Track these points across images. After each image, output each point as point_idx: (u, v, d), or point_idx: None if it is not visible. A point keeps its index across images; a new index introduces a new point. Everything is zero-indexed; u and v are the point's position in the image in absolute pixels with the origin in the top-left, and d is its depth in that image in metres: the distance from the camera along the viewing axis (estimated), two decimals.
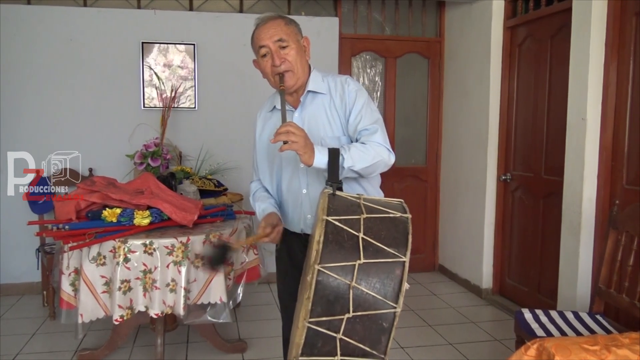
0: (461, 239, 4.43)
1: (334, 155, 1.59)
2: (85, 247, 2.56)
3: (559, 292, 3.23)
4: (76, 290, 2.60)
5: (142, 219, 2.66)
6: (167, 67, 4.19)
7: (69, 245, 2.55)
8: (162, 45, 4.17)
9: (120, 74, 4.14)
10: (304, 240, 1.82)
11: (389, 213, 1.34)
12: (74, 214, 2.74)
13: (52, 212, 3.44)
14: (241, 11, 4.38)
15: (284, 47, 1.78)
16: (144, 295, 2.56)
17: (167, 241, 2.59)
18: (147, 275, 2.56)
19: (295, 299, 1.72)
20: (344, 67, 4.54)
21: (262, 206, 1.91)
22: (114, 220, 2.66)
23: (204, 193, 3.52)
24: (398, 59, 4.67)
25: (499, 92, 3.97)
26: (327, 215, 1.28)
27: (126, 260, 2.54)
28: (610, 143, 2.97)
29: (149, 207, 2.76)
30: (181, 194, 3.20)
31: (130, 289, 2.56)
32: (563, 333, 2.30)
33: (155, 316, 2.58)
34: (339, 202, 1.36)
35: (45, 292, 3.73)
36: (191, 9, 4.29)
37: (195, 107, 4.27)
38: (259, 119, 2.00)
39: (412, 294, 4.19)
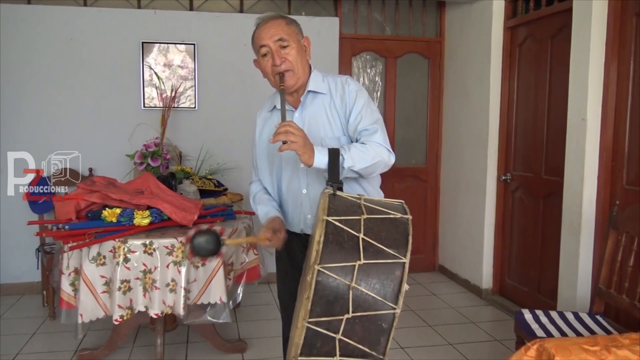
0: (461, 239, 4.43)
1: (334, 155, 1.59)
2: (85, 247, 2.56)
3: (559, 292, 3.23)
4: (76, 290, 2.60)
5: (142, 219, 2.66)
6: (167, 67, 4.19)
7: (69, 245, 2.55)
8: (162, 45, 4.17)
9: (121, 74, 4.14)
10: (304, 240, 1.82)
11: (389, 214, 1.34)
12: (74, 214, 2.74)
13: (52, 212, 3.44)
14: (241, 11, 4.37)
15: (284, 47, 1.78)
16: (144, 295, 2.56)
17: (167, 241, 2.59)
18: (147, 275, 2.56)
19: (295, 299, 1.72)
20: (344, 67, 4.54)
21: (264, 209, 1.90)
22: (114, 220, 2.66)
23: (204, 193, 3.52)
24: (398, 59, 4.67)
25: (499, 92, 3.97)
26: (328, 216, 1.27)
27: (126, 260, 2.54)
28: (610, 143, 2.97)
29: (149, 207, 2.76)
30: (181, 194, 3.20)
31: (130, 289, 2.56)
32: (563, 333, 2.29)
33: (155, 316, 2.58)
34: (340, 202, 1.36)
35: (45, 292, 3.73)
36: (191, 8, 4.29)
37: (195, 107, 4.27)
38: (259, 118, 1.99)
39: (412, 294, 4.19)
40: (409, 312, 3.76)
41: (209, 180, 3.65)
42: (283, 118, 1.63)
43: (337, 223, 1.26)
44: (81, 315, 2.55)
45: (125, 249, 2.54)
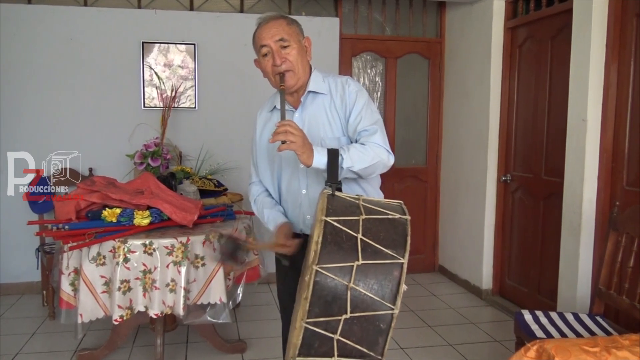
0: (461, 240, 4.43)
1: (333, 155, 1.59)
2: (85, 247, 2.56)
3: (559, 293, 3.23)
4: (76, 290, 2.60)
5: (142, 219, 2.66)
6: (168, 67, 4.19)
7: (69, 245, 2.55)
8: (162, 45, 4.18)
9: (121, 74, 4.14)
10: (303, 240, 1.82)
11: (388, 214, 1.34)
12: (74, 213, 2.74)
13: (52, 212, 3.45)
14: (242, 11, 4.38)
15: (285, 47, 1.77)
16: (144, 295, 2.56)
17: (167, 241, 2.59)
18: (146, 275, 2.56)
19: (294, 300, 1.72)
20: (345, 68, 4.54)
21: (271, 214, 1.90)
22: (114, 220, 2.66)
23: (204, 193, 3.52)
24: (398, 59, 4.67)
25: (499, 92, 3.96)
26: (326, 216, 1.27)
27: (126, 260, 2.54)
28: (610, 144, 2.97)
29: (148, 207, 2.76)
30: (181, 194, 3.20)
31: (129, 289, 2.56)
32: (563, 334, 2.29)
33: (154, 316, 2.58)
34: (338, 202, 1.36)
35: (45, 292, 3.73)
36: (192, 8, 4.30)
37: (195, 107, 4.27)
38: (259, 118, 1.99)
39: (411, 294, 4.18)
40: (409, 313, 3.76)
41: (209, 181, 3.66)
42: (283, 118, 1.63)
43: (335, 223, 1.27)
44: (81, 315, 2.55)
45: (125, 249, 2.54)
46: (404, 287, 1.23)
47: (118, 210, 2.69)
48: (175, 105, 4.13)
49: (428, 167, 4.80)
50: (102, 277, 2.58)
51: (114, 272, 2.54)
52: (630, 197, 2.83)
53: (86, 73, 4.08)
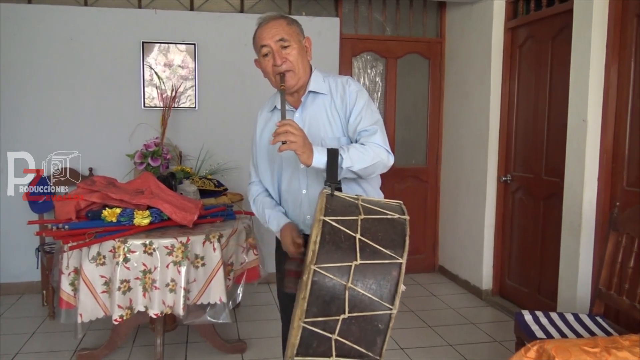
0: (461, 240, 4.43)
1: (332, 155, 1.59)
2: (85, 246, 2.56)
3: (559, 293, 3.23)
4: (76, 290, 2.60)
5: (142, 218, 2.66)
6: (168, 66, 4.19)
7: (69, 244, 2.55)
8: (162, 45, 4.18)
9: (121, 74, 4.14)
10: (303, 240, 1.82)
11: (387, 214, 1.34)
12: (74, 213, 2.74)
13: (52, 211, 3.45)
14: (242, 11, 4.38)
15: (285, 47, 1.77)
16: (144, 295, 2.56)
17: (167, 241, 2.59)
18: (146, 275, 2.56)
19: (294, 300, 1.72)
20: (345, 68, 4.54)
21: (272, 214, 1.90)
22: (114, 220, 2.66)
23: (204, 193, 3.52)
24: (399, 59, 4.67)
25: (499, 93, 3.96)
26: (325, 216, 1.27)
27: (126, 260, 2.54)
28: (610, 145, 2.97)
29: (149, 207, 2.76)
30: (181, 194, 3.20)
31: (129, 289, 2.55)
32: (563, 335, 2.29)
33: (154, 316, 2.58)
34: (337, 202, 1.36)
35: (44, 292, 3.73)
36: (192, 8, 4.30)
37: (195, 107, 4.27)
38: (260, 118, 1.99)
39: (411, 294, 4.18)
40: (409, 313, 3.76)
41: (209, 180, 3.66)
42: (283, 118, 1.62)
43: (334, 223, 1.26)
44: (81, 315, 2.54)
45: (125, 249, 2.54)
46: (402, 287, 1.23)
47: (118, 210, 2.69)
48: (176, 105, 4.13)
49: (428, 167, 4.80)
50: (102, 277, 2.58)
51: (114, 272, 2.54)
52: (631, 198, 2.83)
53: (86, 73, 4.09)
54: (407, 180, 4.75)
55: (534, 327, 2.36)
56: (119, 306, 2.53)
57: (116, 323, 2.57)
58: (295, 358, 1.24)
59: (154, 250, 2.56)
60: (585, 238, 3.03)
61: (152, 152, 3.58)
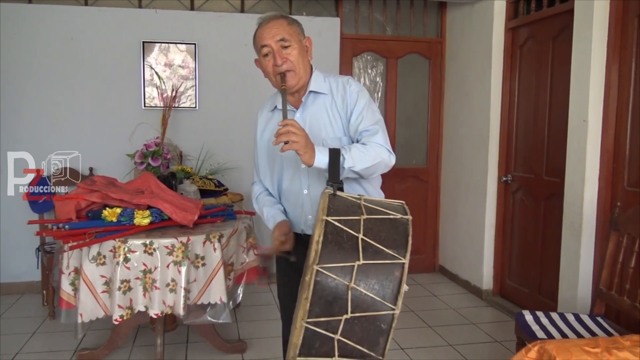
0: (462, 240, 4.43)
1: (334, 155, 1.59)
2: (85, 246, 2.56)
3: (559, 293, 3.22)
4: (76, 289, 2.60)
5: (142, 218, 2.66)
6: (168, 66, 4.19)
7: (69, 244, 2.55)
8: (163, 44, 4.17)
9: (121, 74, 4.14)
10: (304, 241, 1.81)
11: (389, 214, 1.34)
12: (74, 213, 2.73)
13: (52, 211, 3.44)
14: (242, 11, 4.37)
15: (286, 47, 1.77)
16: (144, 295, 2.55)
17: (167, 241, 2.59)
18: (147, 275, 2.55)
19: (295, 300, 1.72)
20: (345, 68, 4.54)
21: (270, 212, 1.90)
22: (114, 219, 2.66)
23: (204, 193, 3.52)
24: (399, 59, 4.67)
25: (500, 93, 3.96)
26: (327, 216, 1.27)
27: (126, 260, 2.53)
28: (611, 145, 2.97)
29: (149, 207, 2.76)
30: (181, 193, 3.20)
31: (130, 288, 2.55)
32: (564, 335, 2.29)
33: (155, 316, 2.58)
34: (339, 202, 1.35)
35: (45, 292, 3.73)
36: (192, 8, 4.29)
37: (196, 107, 4.27)
38: (260, 118, 1.99)
39: (412, 294, 4.18)
40: (409, 313, 3.76)
41: (210, 180, 3.65)
42: (284, 119, 1.62)
43: (336, 223, 1.26)
44: (81, 314, 2.54)
45: (126, 249, 2.54)
46: (405, 287, 1.23)
47: (118, 210, 2.69)
48: (176, 105, 4.13)
49: (429, 167, 4.80)
50: (103, 276, 2.57)
51: (114, 272, 2.53)
52: (631, 198, 2.83)
53: (86, 73, 4.08)
54: (408, 180, 4.75)
55: (535, 327, 2.35)
56: (119, 306, 2.52)
57: (116, 323, 2.57)
58: (298, 358, 1.24)
59: (155, 250, 2.56)
60: (586, 238, 3.02)
61: (153, 152, 3.58)
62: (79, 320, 2.54)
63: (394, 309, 1.22)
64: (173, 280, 2.57)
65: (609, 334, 2.28)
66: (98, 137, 4.11)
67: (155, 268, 2.56)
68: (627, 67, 2.88)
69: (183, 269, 2.57)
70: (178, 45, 4.19)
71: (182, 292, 2.55)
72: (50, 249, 3.61)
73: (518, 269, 3.87)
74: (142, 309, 2.55)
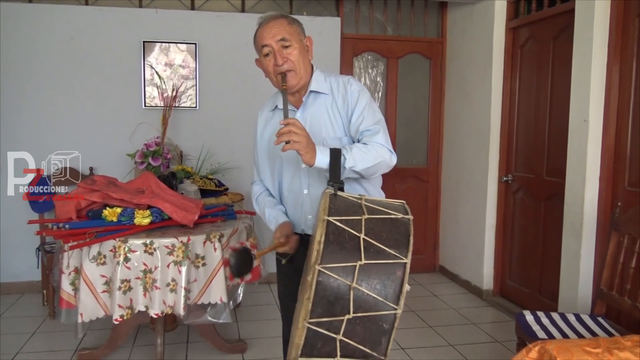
0: (462, 240, 4.43)
1: (335, 155, 1.58)
2: (85, 246, 2.56)
3: (560, 294, 3.22)
4: (76, 289, 2.60)
5: (142, 218, 2.66)
6: (169, 66, 4.19)
7: (69, 244, 2.55)
8: (163, 44, 4.17)
9: (122, 73, 4.14)
10: (305, 240, 1.81)
11: (390, 214, 1.33)
12: (75, 213, 2.73)
13: (53, 211, 3.44)
14: (243, 11, 4.37)
15: (286, 47, 1.77)
16: (144, 295, 2.55)
17: (168, 241, 2.58)
18: (147, 275, 2.55)
19: (295, 300, 1.71)
20: (346, 67, 4.54)
21: (272, 213, 1.90)
22: (115, 219, 2.66)
23: (204, 193, 3.52)
24: (400, 59, 4.67)
25: (500, 93, 3.96)
26: (328, 216, 1.27)
27: (126, 259, 2.53)
28: (612, 145, 2.96)
29: (149, 207, 2.76)
30: (182, 193, 3.19)
31: (130, 288, 2.55)
32: (564, 335, 2.29)
33: (155, 316, 2.57)
34: (341, 202, 1.35)
35: (45, 291, 3.73)
36: (193, 8, 4.29)
37: (196, 107, 4.26)
38: (260, 118, 1.99)
39: (412, 294, 4.18)
40: (410, 313, 3.75)
41: (210, 180, 3.65)
42: (285, 118, 1.62)
43: (338, 223, 1.26)
44: (81, 314, 2.54)
45: (126, 249, 2.53)
46: (407, 287, 1.23)
47: (119, 210, 2.69)
48: (176, 105, 4.13)
49: (429, 167, 4.80)
50: (103, 276, 2.57)
51: (114, 272, 2.53)
52: (632, 198, 2.83)
53: (87, 72, 4.08)
54: (408, 180, 4.75)
55: (535, 328, 2.35)
56: (120, 306, 2.52)
57: (117, 323, 2.57)
58: (300, 358, 1.24)
59: (155, 249, 2.56)
60: (587, 238, 3.02)
61: (153, 151, 3.57)
62: (79, 320, 2.54)
63: (396, 309, 1.22)
64: (173, 280, 2.57)
65: (610, 334, 2.28)
66: (98, 136, 4.11)
67: (156, 268, 2.56)
68: (628, 67, 2.88)
69: (183, 269, 2.57)
70: (178, 45, 4.19)
71: (183, 292, 2.55)
72: (51, 248, 3.61)
73: (519, 269, 3.87)
74: (143, 308, 2.55)
